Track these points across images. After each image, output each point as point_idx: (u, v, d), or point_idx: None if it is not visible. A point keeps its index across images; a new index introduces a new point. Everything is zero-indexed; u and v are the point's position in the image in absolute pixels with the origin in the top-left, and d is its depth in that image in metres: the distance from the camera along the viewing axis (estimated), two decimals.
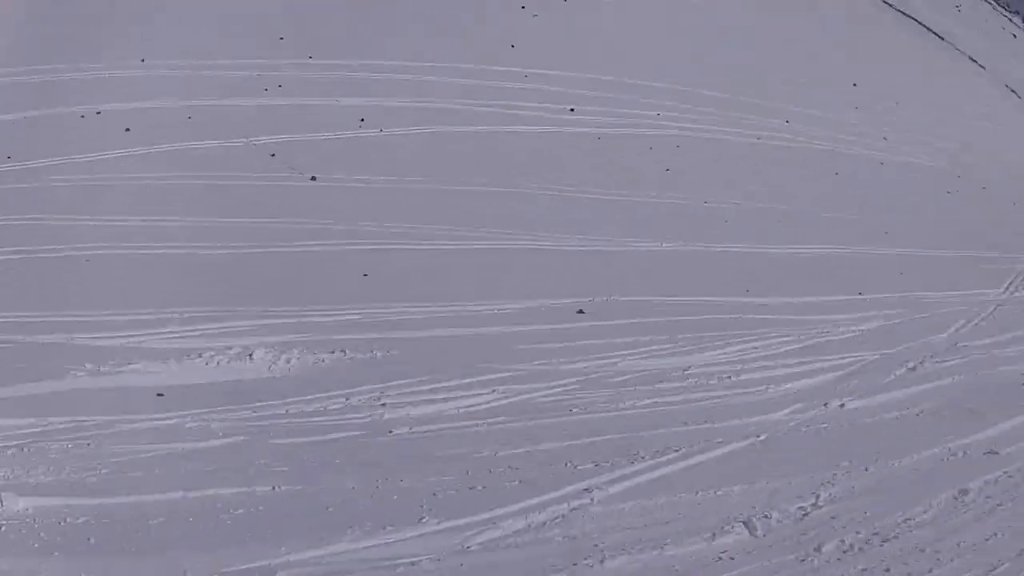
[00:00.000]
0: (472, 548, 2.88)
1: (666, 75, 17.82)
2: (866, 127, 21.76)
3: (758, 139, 16.42)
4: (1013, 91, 59.27)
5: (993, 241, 12.96)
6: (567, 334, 6.43)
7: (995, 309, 9.03)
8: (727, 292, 8.14)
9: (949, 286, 9.72)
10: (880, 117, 23.77)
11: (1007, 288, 10.41)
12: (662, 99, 16.47)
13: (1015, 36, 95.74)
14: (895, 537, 3.06)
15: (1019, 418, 5.02)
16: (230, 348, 5.45)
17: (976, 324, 8.16)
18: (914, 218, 14.08)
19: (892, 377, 6.02)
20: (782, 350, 6.53)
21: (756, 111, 17.74)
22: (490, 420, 4.63)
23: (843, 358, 6.38)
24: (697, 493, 3.50)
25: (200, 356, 5.30)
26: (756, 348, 6.55)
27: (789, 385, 5.69)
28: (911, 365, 6.33)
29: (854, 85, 26.36)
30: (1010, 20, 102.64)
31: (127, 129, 11.32)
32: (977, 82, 53.64)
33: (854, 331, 7.35)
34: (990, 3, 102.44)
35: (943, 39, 63.51)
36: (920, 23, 62.20)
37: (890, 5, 62.77)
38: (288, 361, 5.42)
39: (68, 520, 2.91)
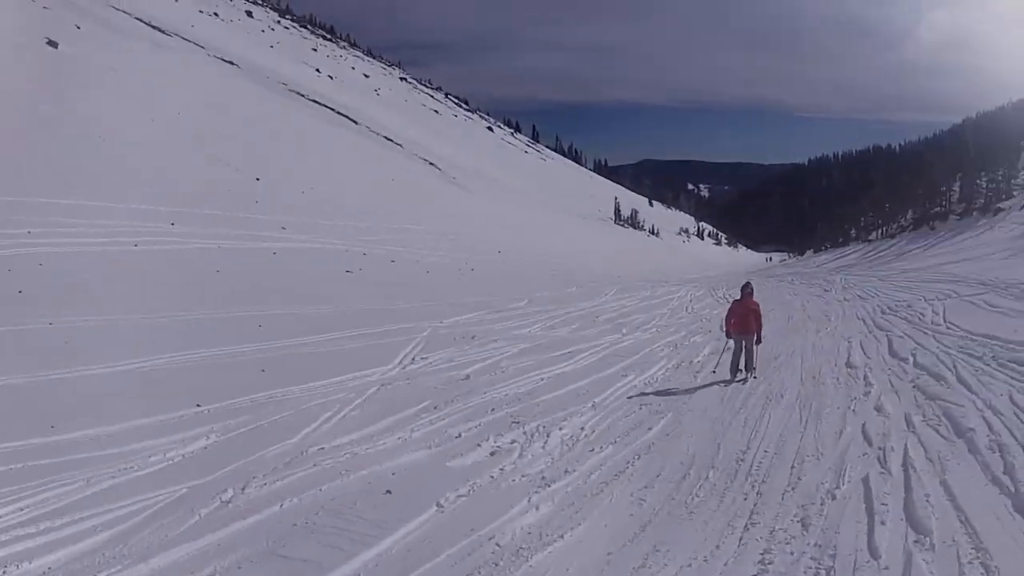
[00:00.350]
0: None
1: None
2: (266, 216, 22.73)
3: (135, 246, 15.35)
4: (432, 164, 71.68)
5: (400, 315, 14.02)
6: None
7: (377, 391, 8.48)
8: (23, 434, 5.83)
9: (325, 373, 8.82)
10: (280, 206, 25.58)
11: (399, 363, 10.15)
12: None
13: (437, 112, 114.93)
14: None
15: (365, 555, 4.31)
16: None
17: (343, 416, 7.31)
18: (301, 304, 13.71)
19: (194, 520, 4.66)
20: (54, 507, 4.73)
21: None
22: None
23: (137, 502, 4.90)
24: None
25: None
26: (26, 508, 4.67)
27: (33, 564, 4.04)
28: (227, 496, 5.02)
29: (257, 179, 28.11)
30: (432, 96, 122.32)
31: None
32: (391, 157, 63.91)
33: (171, 458, 5.85)
34: (411, 83, 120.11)
35: (356, 122, 71.29)
36: (331, 108, 70.41)
37: (302, 95, 68.92)
38: None
39: None
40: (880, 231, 65.82)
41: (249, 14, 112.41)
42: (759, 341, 10.21)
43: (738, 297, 10.68)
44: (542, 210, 75.23)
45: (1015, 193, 47.05)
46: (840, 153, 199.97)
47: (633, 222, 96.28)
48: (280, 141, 40.08)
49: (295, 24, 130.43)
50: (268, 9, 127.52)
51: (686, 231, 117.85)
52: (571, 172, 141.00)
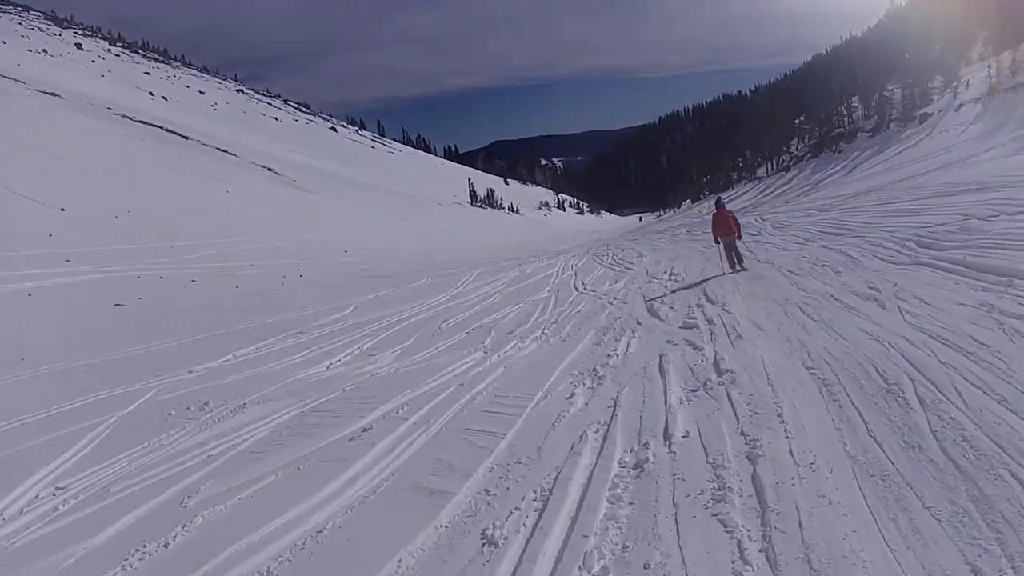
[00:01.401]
0: None
1: None
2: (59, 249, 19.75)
3: None
4: (271, 170, 66.51)
5: (129, 366, 9.50)
6: None
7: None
8: None
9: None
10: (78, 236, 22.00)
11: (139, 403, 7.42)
12: None
13: (277, 119, 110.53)
14: None
15: None
16: None
17: None
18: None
19: None
20: None
21: None
22: None
23: None
24: None
25: None
26: None
27: None
28: None
29: (62, 209, 24.53)
30: (271, 105, 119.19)
31: None
32: (225, 168, 57.98)
33: None
34: (248, 94, 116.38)
35: (185, 137, 65.98)
36: (159, 126, 65.76)
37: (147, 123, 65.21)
38: None
39: None
40: (768, 166, 63.24)
41: (79, 46, 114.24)
42: (739, 237, 12.77)
43: (714, 211, 13.13)
44: (393, 201, 70.98)
45: (934, 98, 45.21)
46: (690, 107, 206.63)
47: (491, 202, 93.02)
48: (96, 166, 36.29)
49: (126, 51, 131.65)
50: (98, 40, 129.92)
51: (547, 204, 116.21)
52: (421, 161, 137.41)
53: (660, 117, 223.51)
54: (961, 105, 39.36)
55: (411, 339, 9.87)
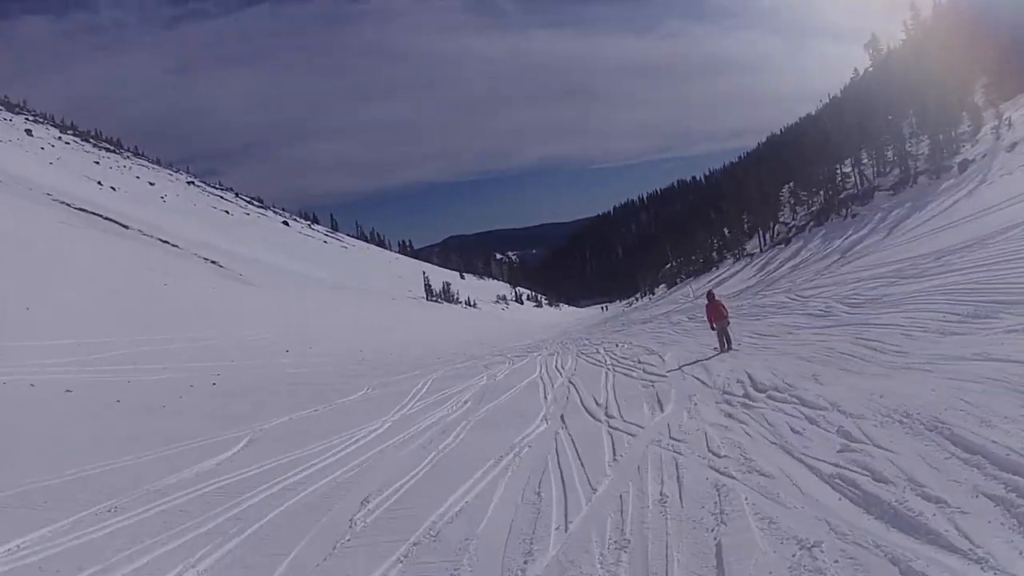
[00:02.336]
0: None
1: None
2: None
3: None
4: (214, 263, 62.81)
5: None
6: None
7: None
8: None
9: None
10: None
11: None
12: None
13: (228, 212, 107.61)
14: None
15: None
16: None
17: None
18: None
19: None
20: None
21: None
22: None
23: None
24: None
25: None
26: None
27: None
28: None
29: None
30: (222, 198, 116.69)
31: None
32: (165, 259, 54.27)
33: None
34: (200, 186, 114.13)
35: (125, 226, 63.06)
36: (98, 215, 62.86)
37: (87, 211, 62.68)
38: None
39: None
40: (760, 240, 57.06)
41: (29, 132, 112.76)
42: (728, 324, 14.48)
43: (707, 303, 15.13)
44: (346, 297, 67.74)
45: (964, 145, 39.55)
46: (645, 195, 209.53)
47: (447, 296, 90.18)
48: (20, 250, 33.80)
49: (77, 139, 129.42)
50: (49, 127, 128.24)
51: (504, 298, 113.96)
52: (375, 256, 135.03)
53: (614, 206, 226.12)
54: (1016, 144, 33.74)
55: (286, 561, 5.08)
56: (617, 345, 20.16)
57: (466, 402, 12.58)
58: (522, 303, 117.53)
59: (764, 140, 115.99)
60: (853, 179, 48.83)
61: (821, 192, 51.20)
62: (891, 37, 56.23)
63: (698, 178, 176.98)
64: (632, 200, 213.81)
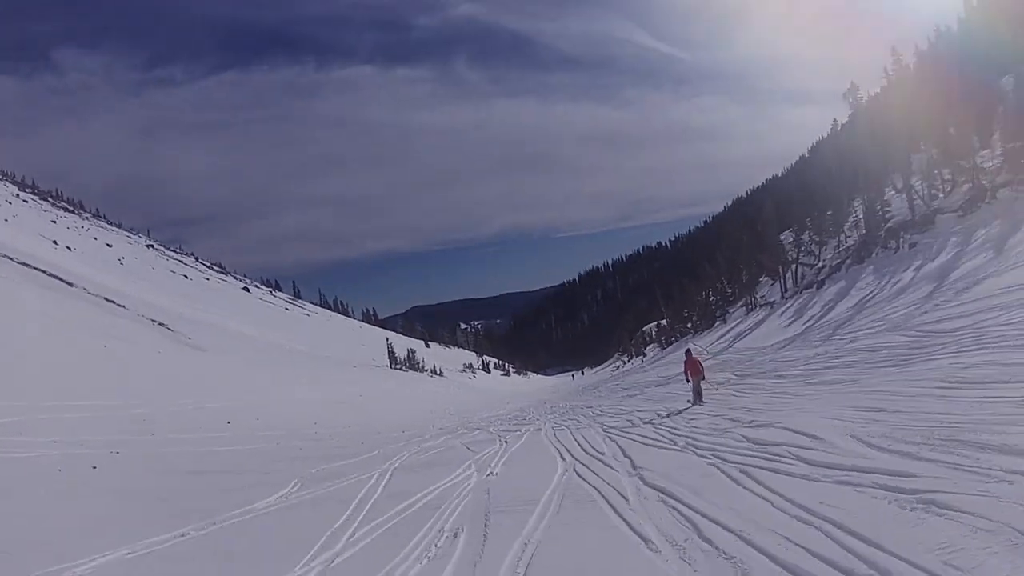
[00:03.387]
0: None
1: None
2: None
3: None
4: (162, 324, 57.67)
5: None
6: None
7: None
8: None
9: None
10: None
11: None
12: None
13: (187, 277, 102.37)
14: None
15: None
16: None
17: None
18: None
19: None
20: None
21: None
22: None
23: None
24: None
25: None
26: None
27: None
28: None
29: None
30: (181, 262, 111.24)
31: None
32: (109, 320, 49.25)
33: None
34: (159, 250, 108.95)
35: (70, 284, 58.37)
36: (42, 270, 58.07)
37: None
38: None
39: None
40: (781, 287, 46.32)
41: None
42: (704, 379, 16.89)
43: (685, 359, 17.43)
44: (304, 364, 62.72)
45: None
46: (610, 262, 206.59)
47: (412, 364, 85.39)
48: None
49: (36, 198, 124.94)
50: (7, 183, 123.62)
51: (470, 367, 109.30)
52: (338, 324, 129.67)
53: (579, 274, 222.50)
54: None
55: None
56: (617, 416, 16.24)
57: (454, 535, 6.74)
58: (489, 372, 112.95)
59: (731, 202, 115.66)
60: (900, 206, 39.64)
61: (840, 232, 44.58)
62: (862, 92, 54.88)
63: (663, 243, 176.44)
64: (597, 267, 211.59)
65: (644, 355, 72.08)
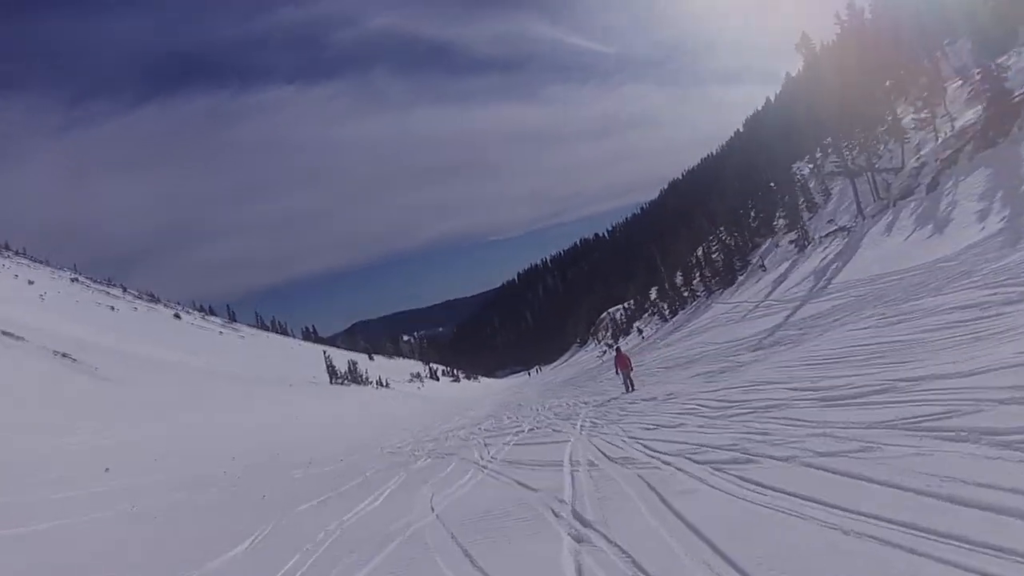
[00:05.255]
0: None
1: None
2: None
3: None
4: (66, 355, 49.83)
5: None
6: None
7: None
8: None
9: None
10: None
11: None
12: None
13: (113, 308, 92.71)
14: None
15: None
16: None
17: None
18: None
19: None
20: None
21: None
22: None
23: None
24: None
25: None
26: None
27: None
28: None
29: None
30: (107, 293, 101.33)
31: None
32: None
33: None
34: (84, 283, 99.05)
35: None
36: None
37: None
38: None
39: None
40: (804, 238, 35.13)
41: None
42: (631, 369, 18.30)
43: (615, 354, 19.68)
44: (231, 387, 55.64)
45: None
46: (548, 259, 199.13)
47: (354, 377, 78.60)
48: None
49: None
50: None
51: (418, 375, 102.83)
52: (276, 344, 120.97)
53: (518, 274, 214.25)
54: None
55: None
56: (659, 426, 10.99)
57: None
58: (438, 379, 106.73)
59: (684, 173, 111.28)
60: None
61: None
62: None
63: (601, 234, 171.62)
64: (535, 264, 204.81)
65: (640, 331, 61.11)
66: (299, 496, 11.68)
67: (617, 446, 8.41)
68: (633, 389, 17.17)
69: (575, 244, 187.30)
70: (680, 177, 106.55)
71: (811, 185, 42.71)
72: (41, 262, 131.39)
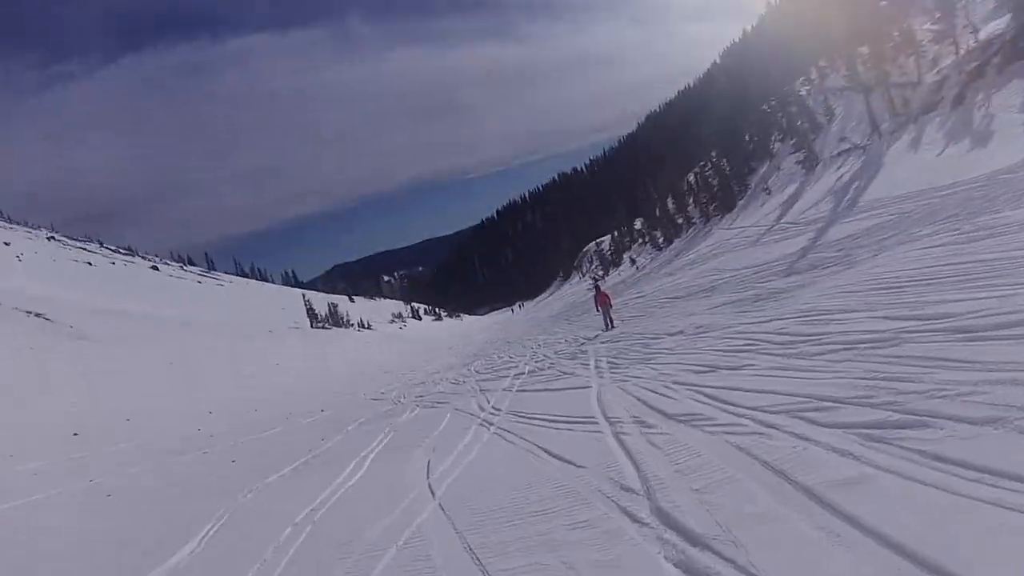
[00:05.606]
0: None
1: None
2: None
3: None
4: (40, 315, 47.41)
5: None
6: None
7: None
8: None
9: None
10: None
11: None
12: None
13: (91, 264, 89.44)
14: None
15: None
16: None
17: None
18: None
19: None
20: None
21: None
22: None
23: None
24: None
25: None
26: None
27: None
28: None
29: None
30: (85, 250, 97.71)
31: None
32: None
33: None
34: (60, 241, 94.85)
35: None
36: None
37: None
38: None
39: None
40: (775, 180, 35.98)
41: None
42: (611, 307, 18.32)
43: (595, 292, 20.03)
44: (209, 338, 53.42)
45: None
46: (527, 193, 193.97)
47: (335, 320, 76.54)
48: None
49: None
50: None
51: (400, 316, 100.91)
52: (255, 290, 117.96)
53: (497, 210, 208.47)
54: None
55: None
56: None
57: None
58: (420, 318, 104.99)
59: (663, 106, 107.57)
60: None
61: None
62: None
63: (579, 168, 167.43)
64: (515, 201, 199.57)
65: (633, 261, 56.73)
66: (272, 460, 9.90)
67: (666, 395, 6.58)
68: (613, 327, 17.11)
69: (553, 179, 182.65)
70: (658, 110, 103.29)
71: (810, 105, 40.17)
72: (18, 223, 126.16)
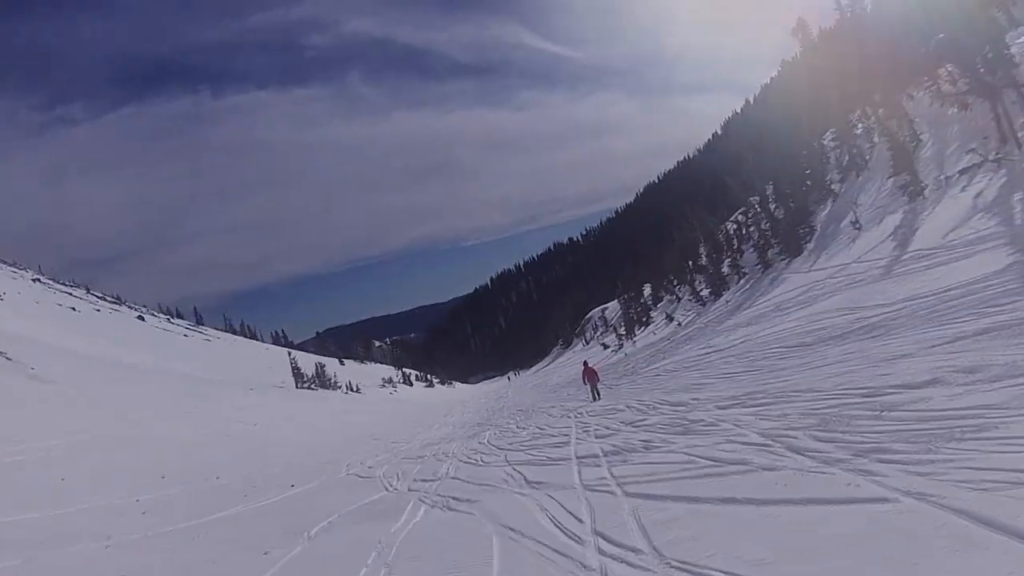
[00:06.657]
0: None
1: None
2: None
3: None
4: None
5: None
6: None
7: None
8: None
9: None
10: None
11: None
12: None
13: (75, 309, 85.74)
14: None
15: None
16: None
17: None
18: None
19: None
20: None
21: None
22: None
23: None
24: None
25: None
26: None
27: None
28: None
29: None
30: (70, 295, 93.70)
31: None
32: None
33: None
34: (46, 284, 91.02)
35: None
36: None
37: None
38: None
39: None
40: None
41: None
42: (599, 381, 20.13)
43: (583, 369, 21.06)
44: (184, 390, 49.33)
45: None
46: (522, 263, 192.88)
47: (322, 381, 72.39)
48: None
49: None
50: None
51: (390, 381, 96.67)
52: (243, 347, 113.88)
53: (491, 278, 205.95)
54: None
55: None
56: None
57: None
58: (411, 384, 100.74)
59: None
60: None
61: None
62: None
63: (575, 238, 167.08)
64: (509, 269, 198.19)
65: (670, 318, 50.21)
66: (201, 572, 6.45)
67: None
68: (599, 398, 18.80)
69: (548, 249, 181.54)
70: (657, 180, 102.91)
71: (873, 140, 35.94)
72: (5, 262, 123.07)
